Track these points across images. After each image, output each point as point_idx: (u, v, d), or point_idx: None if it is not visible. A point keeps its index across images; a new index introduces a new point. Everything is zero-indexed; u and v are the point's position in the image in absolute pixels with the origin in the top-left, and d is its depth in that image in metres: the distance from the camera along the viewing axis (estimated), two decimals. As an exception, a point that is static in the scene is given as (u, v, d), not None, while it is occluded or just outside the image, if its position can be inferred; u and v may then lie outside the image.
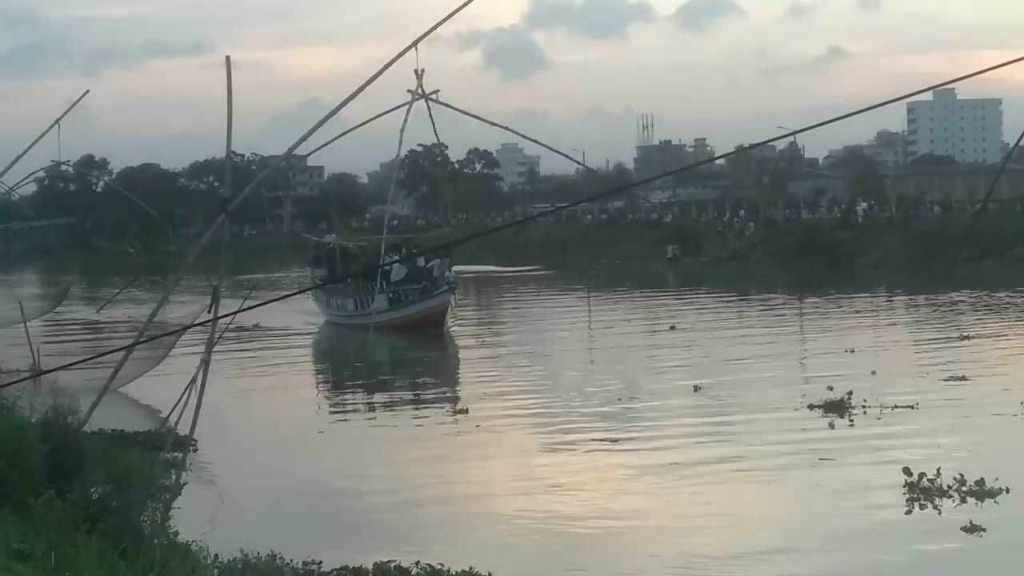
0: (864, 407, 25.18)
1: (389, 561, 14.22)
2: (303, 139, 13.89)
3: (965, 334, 39.13)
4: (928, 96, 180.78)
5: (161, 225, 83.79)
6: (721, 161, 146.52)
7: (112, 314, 46.56)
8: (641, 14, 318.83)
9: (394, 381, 36.18)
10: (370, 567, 14.15)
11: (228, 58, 13.41)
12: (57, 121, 22.29)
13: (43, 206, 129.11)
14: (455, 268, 51.65)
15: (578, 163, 40.43)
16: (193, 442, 15.00)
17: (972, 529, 16.13)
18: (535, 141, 20.04)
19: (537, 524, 17.54)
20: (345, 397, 32.86)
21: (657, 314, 52.20)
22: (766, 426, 24.33)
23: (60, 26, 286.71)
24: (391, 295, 47.36)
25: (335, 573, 14.16)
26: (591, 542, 16.79)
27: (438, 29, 14.72)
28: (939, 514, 17.29)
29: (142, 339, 16.81)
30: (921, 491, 18.03)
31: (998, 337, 39.62)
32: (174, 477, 12.91)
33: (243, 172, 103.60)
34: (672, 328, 44.53)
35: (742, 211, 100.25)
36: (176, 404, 15.23)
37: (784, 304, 57.67)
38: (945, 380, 29.21)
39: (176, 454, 14.68)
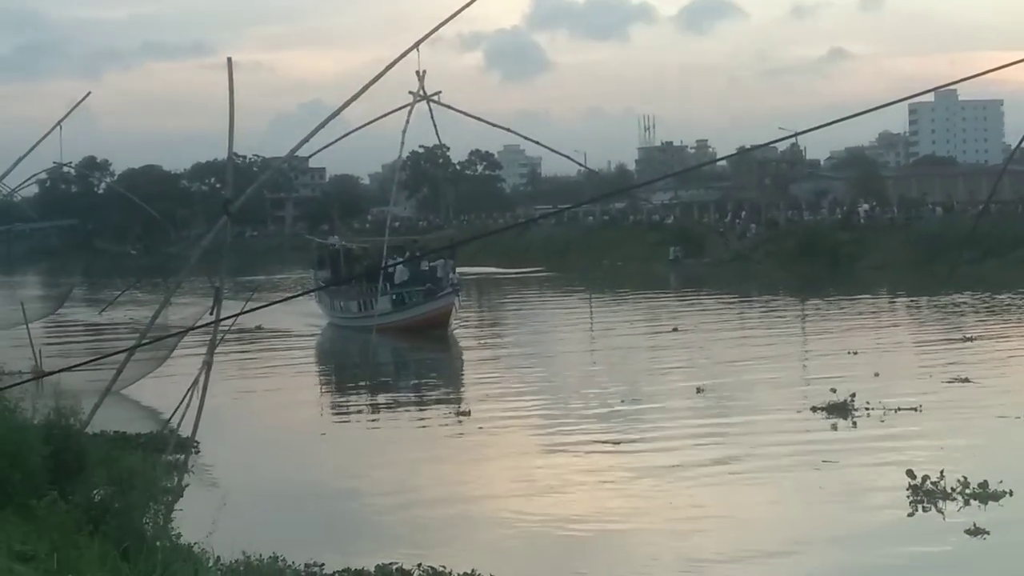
0: (867, 409, 25.16)
1: (391, 563, 14.22)
2: (305, 140, 13.90)
3: (968, 336, 39.07)
4: (930, 97, 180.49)
5: (163, 227, 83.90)
6: (723, 162, 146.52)
7: (114, 316, 46.57)
8: (643, 15, 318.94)
9: (397, 383, 36.18)
10: (372, 569, 14.15)
11: (230, 59, 13.42)
12: (59, 123, 22.34)
13: (45, 208, 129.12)
14: (457, 270, 51.61)
15: (580, 164, 40.42)
16: (195, 444, 15.01)
17: (976, 532, 16.10)
18: (537, 142, 20.03)
19: (539, 526, 17.53)
20: (348, 399, 32.85)
21: (659, 316, 52.19)
22: (769, 428, 24.31)
23: (61, 27, 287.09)
24: (394, 297, 47.30)
25: (337, 575, 14.15)
26: (593, 544, 16.77)
27: (440, 30, 14.72)
28: (942, 517, 17.27)
29: (144, 341, 16.81)
30: (924, 494, 18.01)
31: (1001, 339, 39.56)
32: (176, 479, 12.89)
33: (245, 173, 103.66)
34: (674, 330, 44.51)
35: (744, 212, 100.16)
36: (178, 406, 15.22)
37: (786, 306, 57.63)
38: (948, 382, 29.17)
39: (178, 456, 14.67)
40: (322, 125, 13.85)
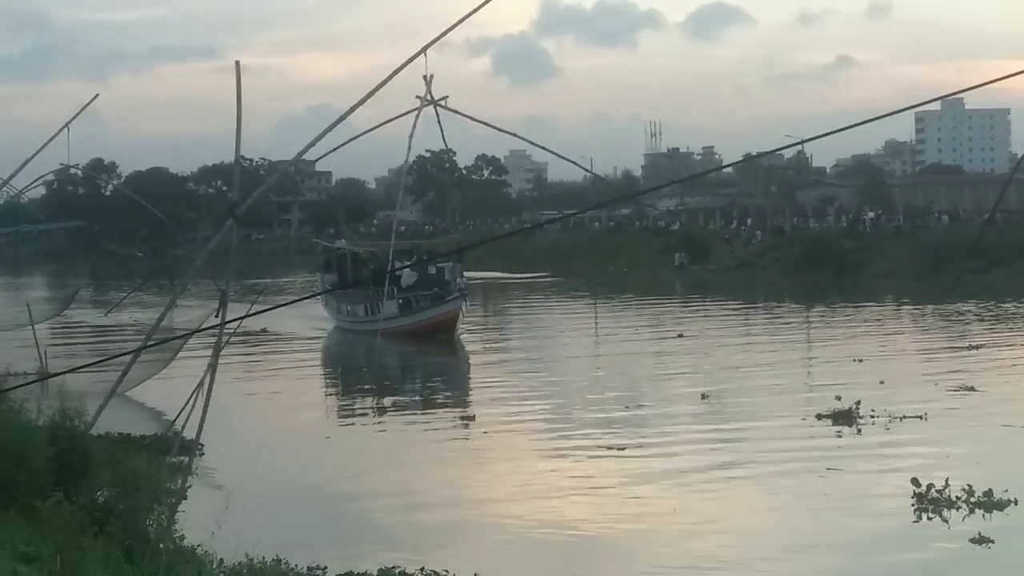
0: (872, 416, 25.13)
1: (394, 567, 14.22)
2: (312, 144, 13.91)
3: (973, 344, 39.04)
4: (936, 105, 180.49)
5: (169, 229, 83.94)
6: (729, 169, 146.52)
7: (119, 318, 46.55)
8: (650, 22, 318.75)
9: (402, 387, 36.18)
10: (375, 572, 14.14)
11: (238, 63, 13.42)
12: (66, 125, 22.36)
13: (52, 209, 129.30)
14: (464, 274, 51.56)
15: (586, 170, 40.44)
16: (199, 446, 15.00)
17: (980, 540, 16.06)
18: (543, 147, 20.00)
19: (543, 530, 17.52)
20: (353, 402, 32.86)
21: (664, 321, 52.15)
22: (773, 435, 24.29)
23: (69, 30, 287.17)
24: (401, 301, 47.26)
25: (340, 578, 14.14)
26: (596, 549, 16.76)
27: (448, 35, 14.74)
28: (947, 525, 17.23)
29: (150, 343, 16.83)
30: (929, 501, 17.98)
31: (1006, 347, 39.53)
32: (180, 481, 12.90)
33: (252, 177, 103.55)
34: (679, 336, 44.49)
35: (749, 219, 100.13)
36: (183, 408, 15.26)
37: (791, 313, 57.59)
38: (953, 390, 29.12)
39: (182, 458, 14.70)
40: (329, 129, 13.87)
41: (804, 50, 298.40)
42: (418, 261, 46.94)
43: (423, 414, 29.57)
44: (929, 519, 17.55)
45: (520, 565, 16.12)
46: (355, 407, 31.84)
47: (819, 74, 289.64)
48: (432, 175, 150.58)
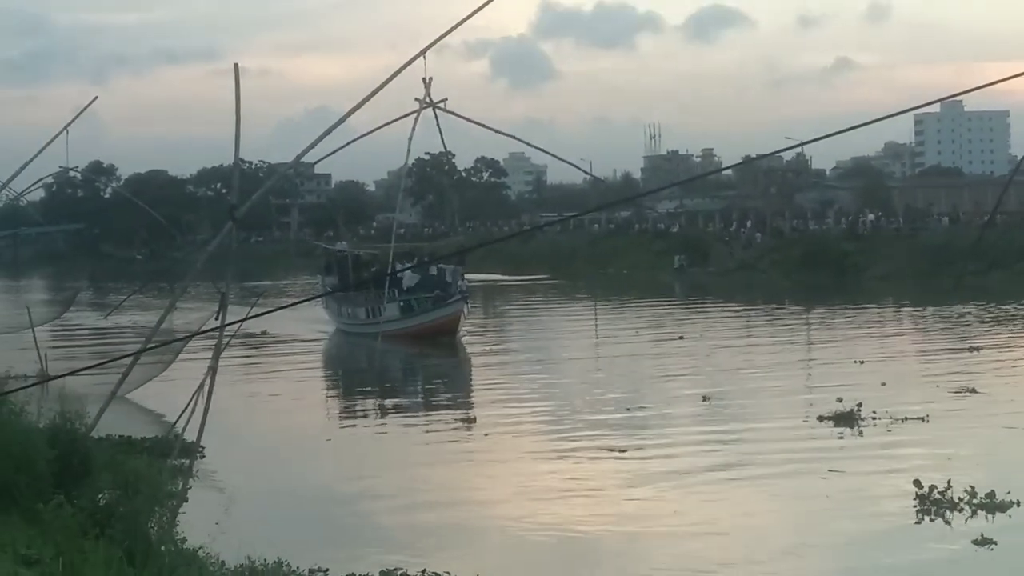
0: (874, 418, 25.11)
1: (395, 568, 14.20)
2: (311, 146, 13.90)
3: (974, 346, 39.04)
4: (935, 108, 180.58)
5: (168, 231, 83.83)
6: (728, 171, 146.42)
7: (119, 320, 46.58)
8: (649, 24, 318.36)
9: (403, 388, 36.19)
10: (376, 574, 14.13)
11: (237, 65, 13.40)
12: (66, 127, 22.32)
13: (51, 212, 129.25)
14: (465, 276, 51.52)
15: (585, 172, 40.47)
16: (200, 448, 14.98)
17: (983, 541, 16.04)
18: (542, 150, 20.11)
19: (544, 531, 17.50)
20: (354, 404, 32.85)
21: (664, 324, 52.14)
22: (775, 436, 24.27)
23: (69, 33, 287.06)
24: (402, 304, 47.17)
25: (341, 580, 14.13)
26: (598, 550, 16.74)
27: (446, 38, 14.73)
28: (949, 526, 17.21)
29: (150, 345, 16.81)
30: (932, 503, 17.96)
31: (1006, 349, 39.55)
32: (181, 483, 12.88)
33: (251, 179, 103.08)
34: (680, 338, 44.48)
35: (749, 221, 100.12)
36: (183, 411, 15.23)
37: (791, 315, 57.59)
38: (954, 392, 29.11)
39: (183, 460, 14.67)
40: (328, 131, 13.86)
41: (803, 52, 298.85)
42: (419, 263, 46.85)
43: (424, 416, 29.57)
44: (931, 520, 17.53)
45: (521, 566, 16.10)
46: (356, 409, 31.83)
47: (818, 76, 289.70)
48: (431, 177, 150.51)
